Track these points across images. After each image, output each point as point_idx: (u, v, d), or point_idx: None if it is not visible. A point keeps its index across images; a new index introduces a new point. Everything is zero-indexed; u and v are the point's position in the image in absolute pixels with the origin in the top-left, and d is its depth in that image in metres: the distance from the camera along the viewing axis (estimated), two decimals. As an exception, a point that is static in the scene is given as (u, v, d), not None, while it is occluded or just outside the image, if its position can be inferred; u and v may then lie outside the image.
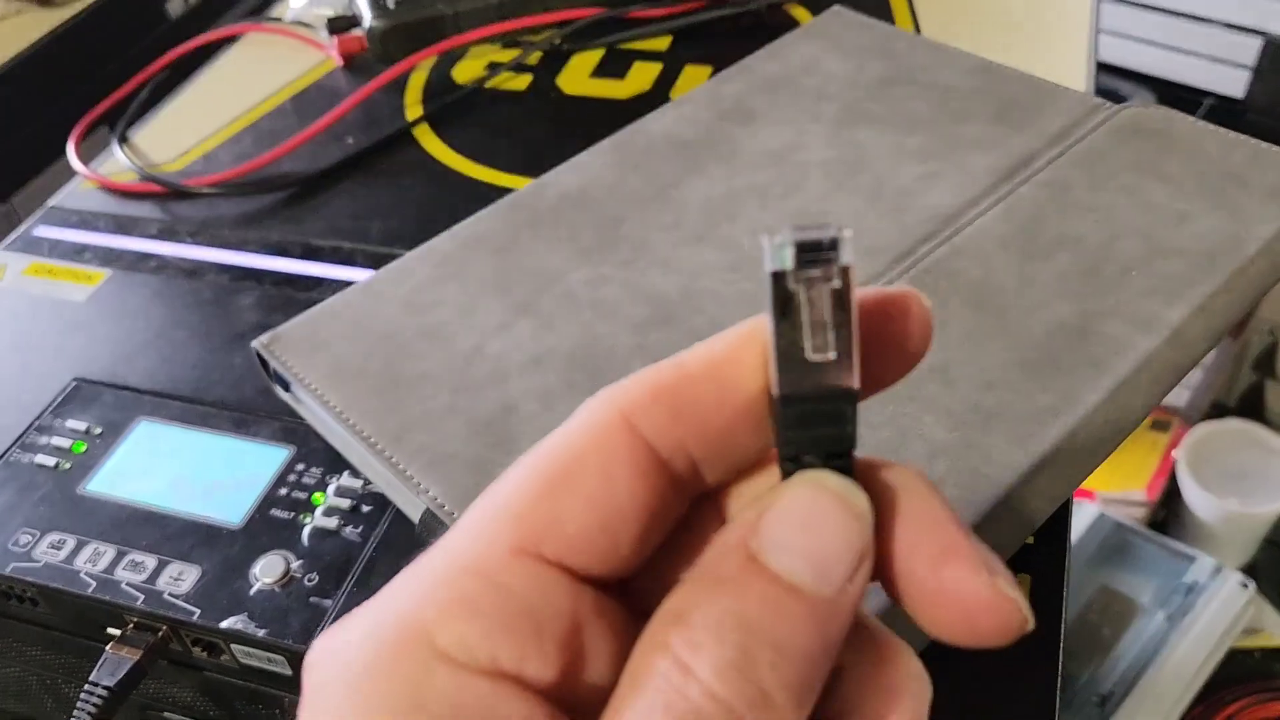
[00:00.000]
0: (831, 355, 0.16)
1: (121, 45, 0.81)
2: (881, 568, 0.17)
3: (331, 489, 0.41)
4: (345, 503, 0.41)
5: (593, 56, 0.67)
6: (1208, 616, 0.88)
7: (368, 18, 0.67)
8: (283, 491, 0.41)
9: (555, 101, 0.64)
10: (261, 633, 0.37)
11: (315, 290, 0.51)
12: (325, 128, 0.61)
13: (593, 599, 0.17)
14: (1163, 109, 0.49)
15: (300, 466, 0.42)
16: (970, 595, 0.16)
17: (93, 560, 0.40)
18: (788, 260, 0.16)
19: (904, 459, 0.36)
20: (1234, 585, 0.90)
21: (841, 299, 0.16)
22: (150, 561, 0.39)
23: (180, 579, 0.39)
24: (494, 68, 0.66)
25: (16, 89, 0.75)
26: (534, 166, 0.52)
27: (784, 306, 0.16)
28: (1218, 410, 1.15)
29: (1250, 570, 0.99)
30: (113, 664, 0.38)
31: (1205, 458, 1.05)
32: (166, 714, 0.43)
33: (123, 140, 0.63)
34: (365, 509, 0.41)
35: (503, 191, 0.50)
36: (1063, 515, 0.39)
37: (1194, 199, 0.44)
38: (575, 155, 0.50)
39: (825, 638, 0.16)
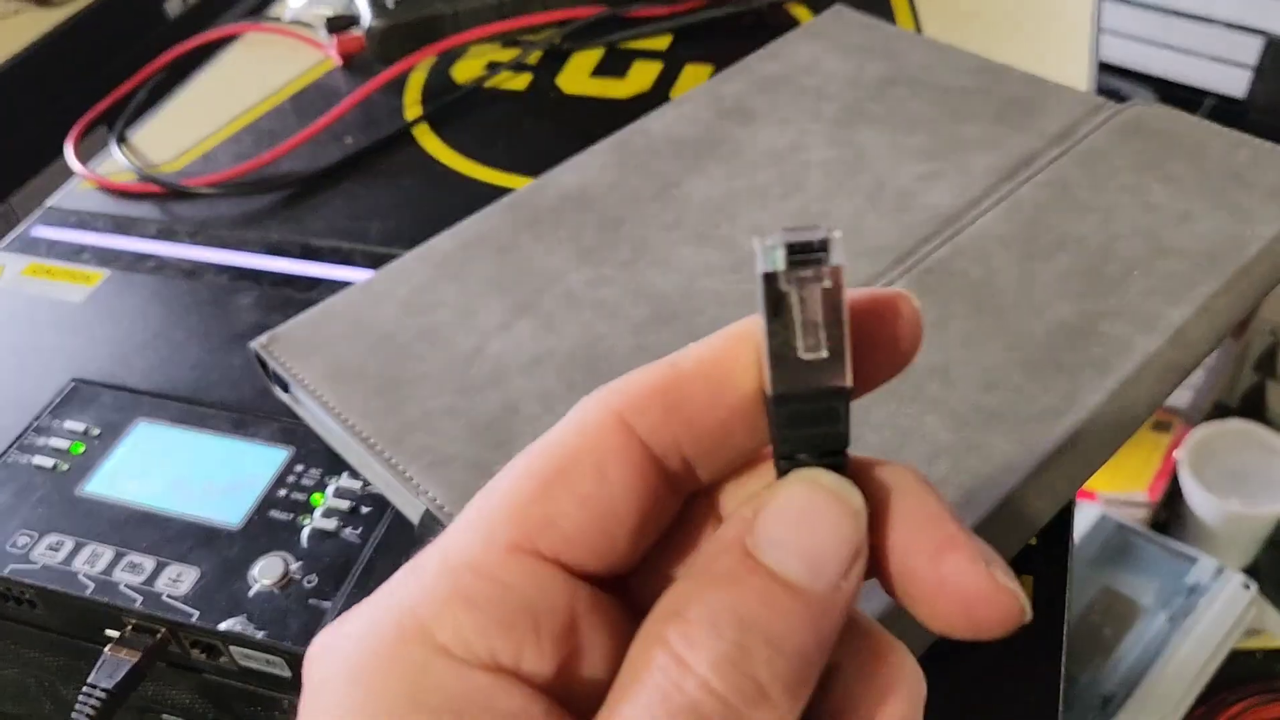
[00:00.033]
0: (824, 354, 0.16)
1: (120, 45, 0.81)
2: (880, 564, 0.17)
3: (331, 490, 0.41)
4: (344, 504, 0.41)
5: (593, 56, 0.67)
6: (1210, 617, 0.88)
7: (367, 17, 0.67)
8: (282, 493, 0.41)
9: (555, 101, 0.64)
10: (260, 634, 0.37)
11: (314, 291, 0.50)
12: (324, 128, 0.60)
13: (589, 595, 0.17)
14: (1165, 108, 0.48)
15: (299, 468, 0.42)
16: (969, 587, 0.17)
17: (91, 562, 0.39)
18: (779, 261, 0.16)
19: (905, 460, 0.35)
20: (1236, 586, 0.90)
21: (832, 299, 0.16)
22: (149, 563, 0.39)
23: (179, 580, 0.39)
24: (493, 67, 0.66)
25: (14, 89, 0.75)
26: (534, 166, 0.52)
27: (776, 306, 0.16)
28: (1219, 411, 1.14)
29: (1252, 571, 0.99)
30: (111, 666, 0.37)
31: (1207, 458, 1.04)
32: (165, 716, 0.43)
33: (121, 140, 0.63)
34: (364, 510, 0.40)
35: (502, 191, 0.50)
36: (1065, 516, 0.39)
37: (1196, 199, 0.43)
38: (575, 155, 0.50)
39: (820, 633, 0.16)
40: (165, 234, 0.56)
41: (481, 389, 0.39)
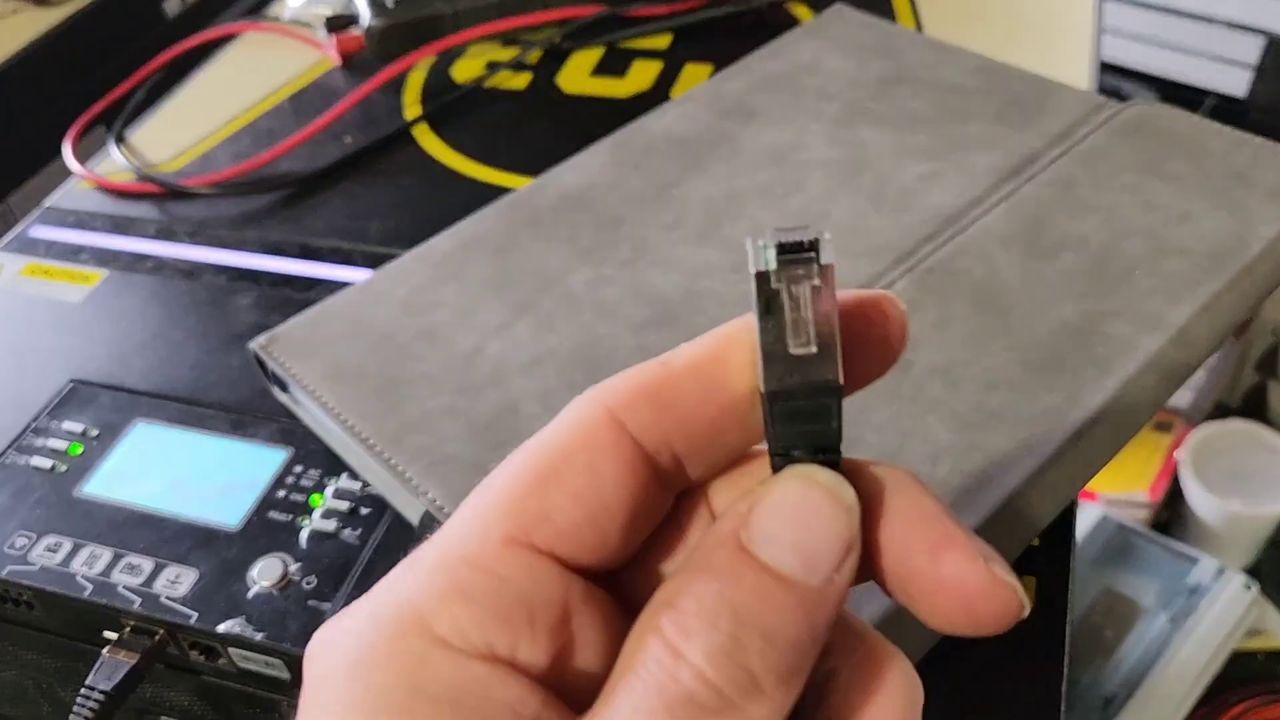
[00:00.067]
0: (814, 351, 0.17)
1: (118, 44, 0.80)
2: (880, 563, 0.18)
3: (330, 491, 0.41)
4: (344, 505, 0.40)
5: (592, 55, 0.67)
6: (1211, 618, 0.87)
7: (366, 16, 0.67)
8: (280, 494, 0.41)
9: (555, 100, 0.63)
10: (259, 636, 0.37)
11: (313, 291, 0.50)
12: (323, 127, 0.60)
13: (583, 589, 0.18)
14: (1166, 107, 0.48)
15: (298, 468, 0.42)
16: (969, 583, 0.17)
17: (89, 563, 0.39)
18: (771, 260, 0.17)
19: (907, 460, 0.35)
20: (1237, 587, 0.90)
21: (822, 297, 0.17)
22: (147, 564, 0.39)
23: (177, 582, 0.39)
24: (493, 66, 0.66)
25: (13, 88, 0.74)
26: (533, 166, 0.52)
27: (768, 304, 0.17)
28: (1221, 411, 1.14)
29: (1253, 572, 0.99)
30: (109, 668, 0.37)
31: (1208, 459, 1.04)
32: (163, 718, 0.43)
33: (119, 140, 0.63)
34: (364, 511, 0.40)
35: (502, 191, 0.49)
36: (1067, 517, 0.38)
37: (1198, 198, 0.43)
38: (575, 155, 0.50)
39: (813, 626, 0.16)
40: (164, 234, 0.56)
41: (481, 389, 0.39)
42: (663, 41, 0.67)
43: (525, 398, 0.39)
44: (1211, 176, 0.44)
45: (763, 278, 0.17)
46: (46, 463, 0.43)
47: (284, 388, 0.43)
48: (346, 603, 0.37)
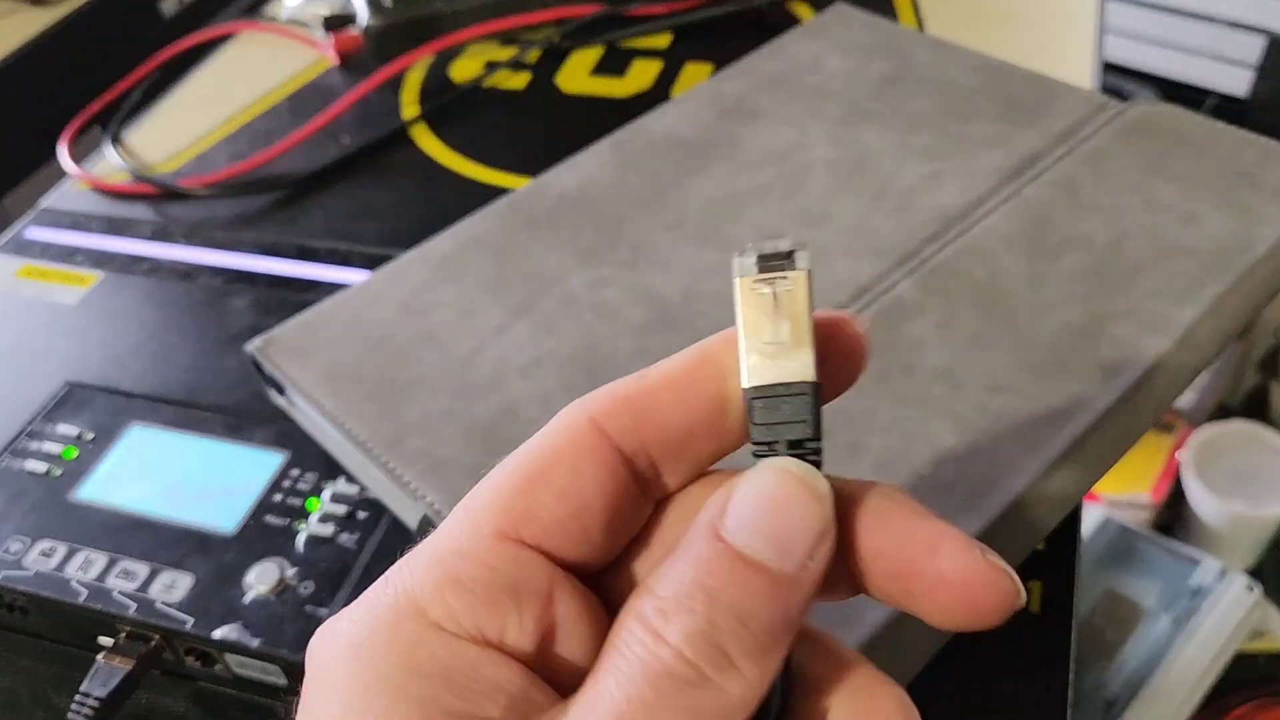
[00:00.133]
0: (791, 350, 0.18)
1: (114, 44, 0.80)
2: (879, 566, 0.19)
3: (327, 495, 0.41)
4: (341, 509, 0.40)
5: (592, 54, 0.67)
6: (1213, 620, 0.87)
7: (364, 15, 0.67)
8: (277, 498, 0.41)
9: (554, 100, 0.63)
10: (256, 642, 0.36)
11: (310, 292, 0.50)
12: (321, 127, 0.60)
13: (570, 586, 0.19)
14: (1170, 107, 0.48)
15: (295, 472, 0.41)
16: (968, 573, 0.18)
17: (84, 568, 0.39)
18: (751, 268, 0.19)
19: (910, 463, 0.35)
20: (1239, 588, 0.89)
21: (798, 301, 0.18)
22: (142, 569, 0.39)
23: (173, 587, 0.38)
24: (492, 66, 0.66)
25: (8, 89, 0.74)
26: (533, 166, 0.51)
27: (748, 309, 0.19)
28: (1223, 412, 1.14)
29: (1256, 573, 0.98)
30: (104, 674, 0.37)
31: (1210, 460, 1.04)
32: (159, 724, 0.42)
33: (115, 140, 0.63)
34: (361, 515, 0.40)
35: (501, 192, 0.49)
36: (1072, 521, 0.38)
37: (1203, 198, 0.43)
38: (574, 155, 0.50)
39: (786, 610, 0.17)
40: (160, 235, 0.55)
41: (480, 392, 0.39)
42: (663, 41, 0.67)
43: (524, 400, 0.38)
44: (1216, 177, 0.44)
45: (744, 283, 0.19)
46: (41, 467, 0.43)
47: (281, 390, 0.42)
48: (344, 607, 0.37)
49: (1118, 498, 1.03)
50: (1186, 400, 1.12)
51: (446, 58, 0.68)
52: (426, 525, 0.37)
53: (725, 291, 0.43)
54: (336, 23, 0.68)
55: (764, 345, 0.19)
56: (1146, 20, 1.20)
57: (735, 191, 0.46)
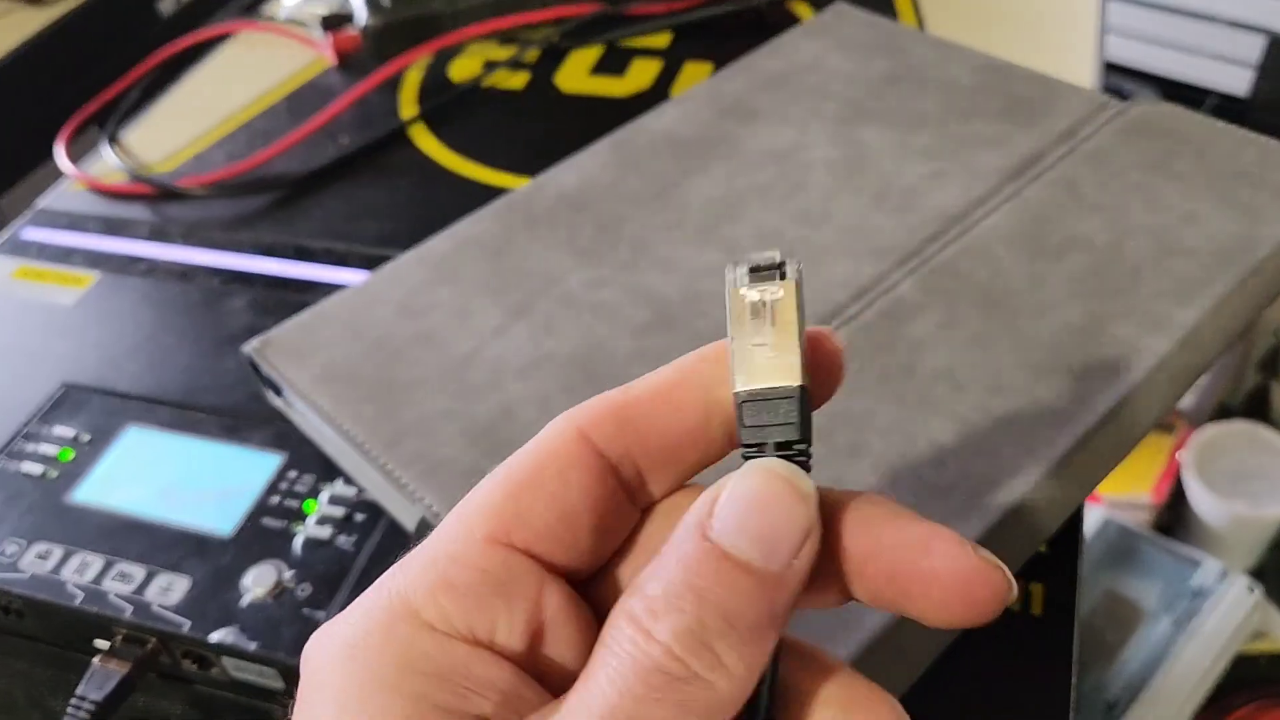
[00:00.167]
0: (779, 358, 0.19)
1: (112, 44, 0.80)
2: (874, 570, 0.19)
3: (324, 497, 0.40)
4: (338, 511, 0.40)
5: (591, 53, 0.66)
6: (1214, 621, 0.87)
7: (362, 15, 0.66)
8: (274, 500, 0.40)
9: (553, 100, 0.63)
10: (253, 645, 0.36)
11: (308, 293, 0.50)
12: (319, 127, 0.60)
13: (560, 590, 0.20)
14: (1172, 106, 0.48)
15: (292, 474, 0.41)
16: (963, 568, 0.18)
17: (80, 571, 0.39)
18: (743, 279, 0.20)
19: (911, 464, 0.35)
20: (1240, 589, 0.89)
21: (786, 310, 0.19)
22: (139, 572, 0.39)
23: (170, 590, 0.38)
24: (491, 65, 0.65)
25: (5, 89, 0.74)
26: (531, 166, 0.51)
27: (739, 317, 0.20)
28: (1223, 412, 1.14)
29: (1257, 574, 0.98)
30: (100, 677, 0.37)
31: (1211, 460, 1.04)
32: (156, 727, 0.42)
33: (113, 140, 0.62)
34: (359, 518, 0.40)
35: (499, 192, 0.49)
36: (1074, 523, 0.38)
37: (1204, 198, 0.43)
38: (574, 154, 0.49)
39: (773, 608, 0.18)
40: (157, 236, 0.55)
41: (478, 393, 0.39)
42: (662, 40, 0.67)
43: (522, 401, 0.38)
44: (1218, 176, 0.44)
45: (736, 294, 0.20)
46: (37, 468, 0.42)
47: (278, 392, 0.42)
48: (341, 611, 0.37)
49: (1118, 498, 1.03)
50: (1187, 401, 1.12)
51: (445, 57, 0.67)
52: (424, 527, 0.36)
53: (724, 292, 0.43)
54: (335, 22, 0.68)
55: (754, 352, 0.19)
56: (1147, 20, 1.20)
57: (735, 191, 0.46)
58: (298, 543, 0.39)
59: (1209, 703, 0.87)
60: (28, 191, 0.70)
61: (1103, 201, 0.43)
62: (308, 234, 0.54)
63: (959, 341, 0.38)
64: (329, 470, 0.41)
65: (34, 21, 0.77)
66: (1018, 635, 0.35)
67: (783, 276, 0.19)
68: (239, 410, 0.44)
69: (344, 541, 0.39)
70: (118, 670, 0.37)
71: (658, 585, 0.18)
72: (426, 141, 0.60)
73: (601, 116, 0.58)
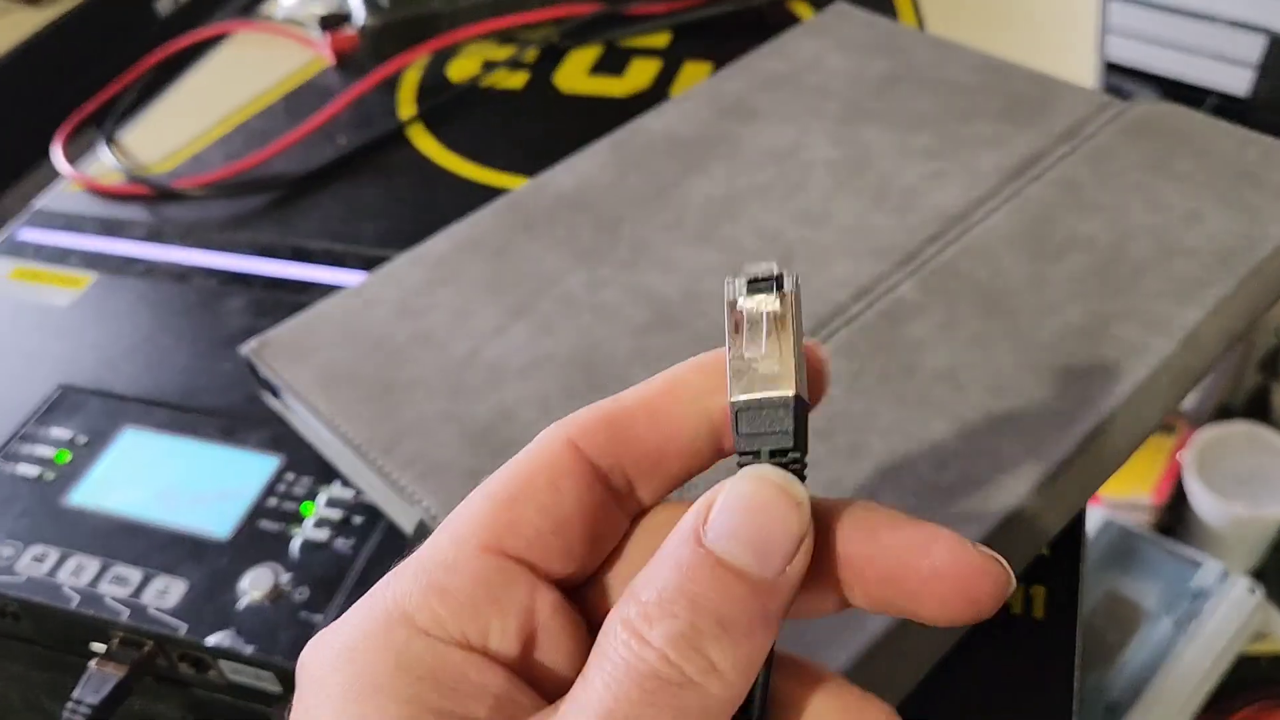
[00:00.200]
0: (774, 367, 0.20)
1: (109, 44, 0.80)
2: (875, 573, 0.19)
3: (322, 499, 0.40)
4: (336, 514, 0.40)
5: (590, 53, 0.66)
6: (1215, 622, 0.87)
7: (360, 15, 0.66)
8: (272, 502, 0.40)
9: (552, 100, 0.63)
10: (250, 649, 0.36)
11: (306, 294, 0.49)
12: (317, 127, 0.60)
13: (553, 597, 0.20)
14: (1173, 106, 0.48)
15: (290, 476, 0.41)
16: (964, 565, 0.19)
17: (76, 574, 0.39)
18: (741, 290, 0.20)
19: (912, 465, 0.34)
20: (1242, 590, 0.89)
21: (781, 321, 0.20)
22: (135, 575, 0.38)
23: (166, 593, 0.38)
24: (489, 65, 0.65)
25: (2, 89, 0.74)
26: (531, 166, 0.51)
27: (736, 326, 0.20)
28: (1224, 413, 1.13)
29: (1258, 575, 0.98)
30: (97, 681, 0.37)
31: (1212, 461, 1.03)
32: (153, 731, 0.42)
33: (110, 141, 0.62)
34: (356, 520, 0.39)
35: (498, 192, 0.49)
36: (1077, 525, 0.38)
37: (1206, 198, 0.42)
38: (573, 154, 0.49)
39: (766, 614, 0.18)
40: (154, 236, 0.55)
41: (477, 394, 0.39)
42: (662, 40, 0.67)
43: (522, 403, 0.38)
44: (1220, 176, 0.43)
45: (733, 305, 0.20)
46: (34, 470, 0.42)
47: (275, 393, 0.42)
48: (339, 614, 0.37)
49: (1119, 499, 1.03)
50: (1188, 401, 1.12)
51: (444, 57, 0.67)
52: (423, 530, 0.36)
53: (722, 300, 0.42)
54: (333, 22, 0.68)
55: (750, 361, 0.20)
56: (1147, 20, 1.20)
57: (735, 191, 0.46)
58: (295, 545, 0.39)
59: (1210, 704, 0.86)
60: (25, 192, 0.70)
61: (1103, 201, 0.43)
62: (306, 235, 0.54)
63: (960, 342, 0.38)
64: (327, 472, 0.41)
65: (31, 21, 0.77)
66: (1020, 638, 0.35)
67: (780, 288, 0.20)
68: (236, 412, 0.44)
69: (342, 544, 0.39)
70: (114, 673, 0.37)
71: (652, 591, 0.18)
72: (425, 142, 0.60)
73: (601, 116, 0.57)
